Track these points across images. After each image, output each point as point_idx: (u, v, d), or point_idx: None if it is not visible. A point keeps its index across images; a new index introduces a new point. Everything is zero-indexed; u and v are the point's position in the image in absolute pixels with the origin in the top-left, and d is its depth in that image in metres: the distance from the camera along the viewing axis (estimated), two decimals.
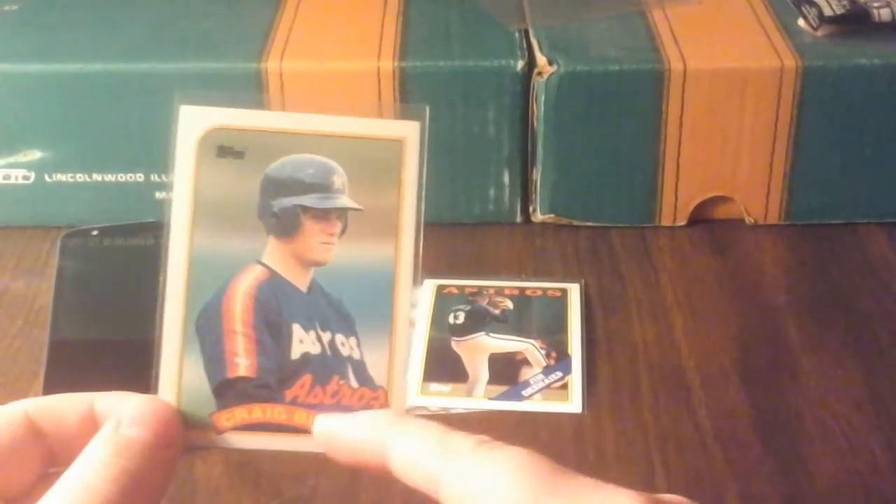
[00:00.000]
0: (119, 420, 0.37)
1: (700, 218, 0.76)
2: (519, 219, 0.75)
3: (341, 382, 0.39)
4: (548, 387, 0.63)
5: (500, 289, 0.69)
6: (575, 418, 0.61)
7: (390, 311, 0.38)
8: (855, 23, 0.73)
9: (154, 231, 0.72)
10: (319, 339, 0.39)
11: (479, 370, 0.64)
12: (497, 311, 0.67)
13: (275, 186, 0.38)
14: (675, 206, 0.75)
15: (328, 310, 0.39)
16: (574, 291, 0.69)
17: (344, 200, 0.38)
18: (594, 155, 0.73)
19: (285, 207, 0.38)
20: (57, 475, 0.39)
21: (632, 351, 0.65)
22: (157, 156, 0.73)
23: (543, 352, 0.65)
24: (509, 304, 0.68)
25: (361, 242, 0.38)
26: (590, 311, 0.68)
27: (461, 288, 0.69)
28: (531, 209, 0.75)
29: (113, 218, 0.73)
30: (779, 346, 0.66)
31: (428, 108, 0.38)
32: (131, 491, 0.36)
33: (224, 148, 0.38)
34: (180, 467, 0.44)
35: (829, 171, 0.74)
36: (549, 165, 0.73)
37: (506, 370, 0.64)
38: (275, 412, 0.38)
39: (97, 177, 0.74)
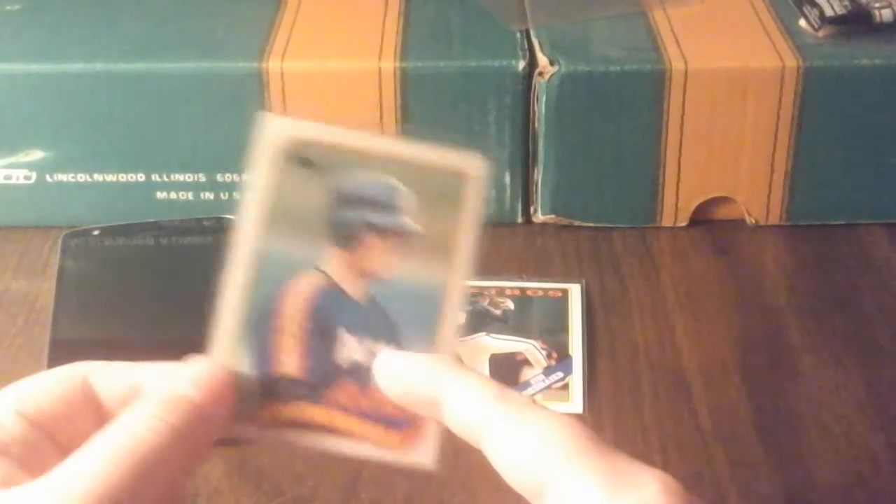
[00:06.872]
0: (175, 378, 0.38)
1: (701, 218, 0.76)
2: (520, 219, 0.75)
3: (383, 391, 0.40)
4: (549, 387, 0.63)
5: (501, 289, 0.69)
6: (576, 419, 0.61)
7: (436, 332, 0.40)
8: (856, 23, 0.73)
9: (154, 231, 0.72)
10: (366, 348, 0.40)
11: (480, 371, 0.63)
12: (498, 312, 0.67)
13: (343, 199, 0.40)
14: (676, 207, 0.75)
15: (379, 322, 0.40)
16: (575, 292, 0.69)
17: (406, 221, 0.40)
18: (595, 155, 0.73)
19: (350, 220, 0.40)
20: None
21: (633, 351, 0.65)
22: (159, 155, 0.73)
23: (544, 352, 0.65)
24: (510, 305, 0.68)
25: (418, 264, 0.40)
26: (591, 311, 0.68)
27: None
28: (532, 210, 0.75)
29: (114, 218, 0.73)
30: (779, 346, 0.66)
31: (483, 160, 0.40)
32: (175, 446, 0.36)
33: (300, 158, 0.40)
34: None
35: (830, 172, 0.74)
36: (550, 166, 0.73)
37: (506, 371, 0.64)
38: (316, 413, 0.39)
39: (98, 177, 0.74)
